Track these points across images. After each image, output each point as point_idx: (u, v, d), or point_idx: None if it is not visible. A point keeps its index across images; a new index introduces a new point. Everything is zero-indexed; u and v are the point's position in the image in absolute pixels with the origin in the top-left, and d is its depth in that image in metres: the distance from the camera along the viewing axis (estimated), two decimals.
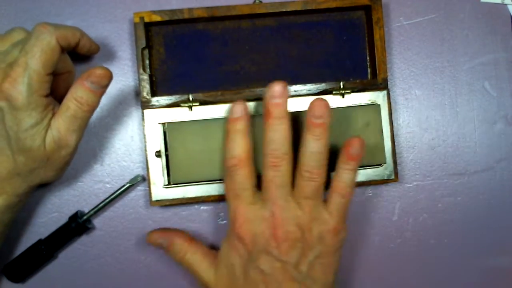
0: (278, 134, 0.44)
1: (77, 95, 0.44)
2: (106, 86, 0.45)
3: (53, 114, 0.44)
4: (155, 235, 0.49)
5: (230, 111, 0.45)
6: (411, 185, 0.55)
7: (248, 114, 0.45)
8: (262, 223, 0.45)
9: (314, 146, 0.44)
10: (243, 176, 0.45)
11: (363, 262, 0.55)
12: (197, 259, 0.48)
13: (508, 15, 0.56)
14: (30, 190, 0.47)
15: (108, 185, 0.53)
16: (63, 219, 0.52)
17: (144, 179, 0.52)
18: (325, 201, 0.47)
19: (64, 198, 0.53)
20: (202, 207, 0.53)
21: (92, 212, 0.51)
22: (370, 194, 0.55)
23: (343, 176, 0.46)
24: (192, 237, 0.50)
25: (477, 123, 0.56)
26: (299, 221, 0.45)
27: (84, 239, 0.53)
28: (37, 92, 0.42)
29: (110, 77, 0.44)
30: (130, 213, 0.53)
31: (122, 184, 0.52)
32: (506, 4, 0.56)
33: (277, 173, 0.44)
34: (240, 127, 0.45)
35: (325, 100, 0.45)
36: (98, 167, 0.53)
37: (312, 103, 0.45)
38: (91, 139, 0.53)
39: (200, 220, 0.54)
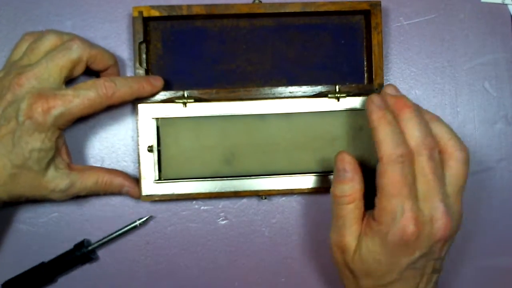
0: (423, 121, 0.40)
1: (109, 182, 0.47)
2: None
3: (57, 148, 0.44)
4: (348, 158, 0.41)
5: (372, 102, 0.40)
6: None
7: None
8: (432, 225, 0.39)
9: (442, 126, 0.42)
10: (414, 171, 0.39)
11: None
12: (354, 217, 0.41)
13: (508, 15, 0.54)
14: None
15: None
16: (63, 219, 0.50)
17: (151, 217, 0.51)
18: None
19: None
20: (202, 207, 0.51)
21: (98, 244, 0.49)
22: None
23: (438, 128, 0.42)
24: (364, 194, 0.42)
25: (477, 123, 0.53)
26: (457, 218, 0.41)
27: (77, 237, 0.50)
28: (60, 127, 0.42)
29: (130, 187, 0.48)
30: (129, 211, 0.51)
31: (133, 221, 0.50)
32: (506, 4, 0.53)
33: (435, 163, 0.39)
34: (392, 119, 0.39)
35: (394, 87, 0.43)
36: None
37: (388, 95, 0.42)
38: (91, 139, 0.50)
39: (200, 220, 0.51)
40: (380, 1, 0.48)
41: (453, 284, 0.53)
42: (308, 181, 0.48)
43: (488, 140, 0.53)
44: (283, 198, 0.51)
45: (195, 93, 0.48)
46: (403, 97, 0.41)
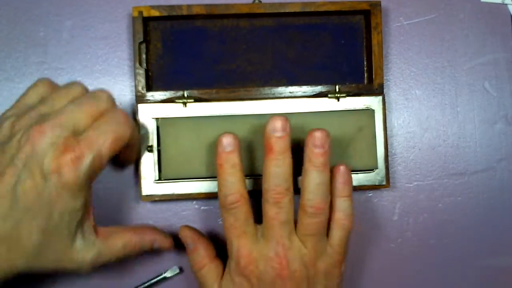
0: (281, 170, 0.40)
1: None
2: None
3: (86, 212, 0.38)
4: (188, 232, 0.45)
5: (221, 144, 0.40)
6: (411, 185, 0.52)
7: (238, 145, 0.40)
8: (267, 263, 0.41)
9: (317, 177, 0.40)
10: (246, 213, 0.41)
11: (363, 262, 0.52)
12: (211, 277, 0.44)
13: (508, 15, 0.53)
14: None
15: (108, 185, 0.50)
16: None
17: (181, 270, 0.50)
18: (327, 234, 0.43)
19: None
20: (202, 207, 0.51)
21: None
22: (371, 194, 0.52)
23: (340, 205, 0.42)
24: (216, 255, 0.45)
25: (477, 123, 0.53)
26: (305, 259, 0.41)
27: None
28: (93, 177, 0.37)
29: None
30: (127, 211, 0.50)
31: (159, 273, 0.49)
32: (506, 4, 0.53)
33: (280, 209, 0.40)
34: (236, 161, 0.40)
35: (325, 130, 0.40)
36: None
37: (311, 133, 0.40)
38: None
39: (200, 220, 0.51)
40: (380, 1, 0.48)
41: (453, 284, 0.52)
42: None
43: (488, 140, 0.53)
44: None
45: (195, 93, 0.47)
46: (277, 138, 0.39)
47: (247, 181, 0.47)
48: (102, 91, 0.39)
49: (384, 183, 0.49)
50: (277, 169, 0.40)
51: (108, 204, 0.49)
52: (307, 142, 0.40)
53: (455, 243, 0.52)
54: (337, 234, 0.42)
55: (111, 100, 0.39)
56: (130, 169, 0.50)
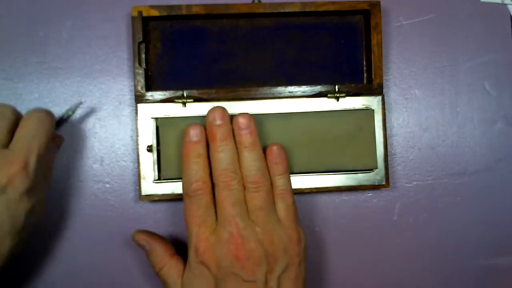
0: (224, 154, 0.42)
1: (51, 164, 0.45)
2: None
3: None
4: (141, 236, 0.46)
5: (188, 134, 0.42)
6: (411, 185, 0.52)
7: (205, 136, 0.43)
8: (223, 246, 0.41)
9: (249, 156, 0.42)
10: (208, 202, 0.42)
11: (363, 261, 0.52)
12: (172, 275, 0.44)
13: (508, 15, 0.53)
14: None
15: (108, 185, 0.50)
16: (63, 219, 0.49)
17: (81, 103, 0.49)
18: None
19: (64, 198, 0.49)
20: None
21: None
22: (370, 194, 0.52)
23: (277, 182, 0.43)
24: (175, 252, 0.46)
25: (477, 123, 0.53)
26: (259, 237, 0.42)
27: (83, 239, 0.49)
28: (40, 174, 0.41)
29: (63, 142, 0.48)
30: (127, 211, 0.50)
31: (63, 113, 0.47)
32: (506, 4, 0.53)
33: (229, 191, 0.41)
34: (201, 151, 0.42)
35: (247, 114, 0.43)
36: (98, 167, 0.50)
37: (235, 119, 0.43)
38: (91, 139, 0.50)
39: None
40: (379, 1, 0.48)
41: (453, 284, 0.52)
42: (308, 181, 0.47)
43: (488, 140, 0.53)
44: None
45: (195, 93, 0.47)
46: (217, 126, 0.42)
47: None
48: (3, 106, 0.42)
49: (383, 183, 0.48)
50: (221, 154, 0.42)
51: (108, 204, 0.49)
52: (234, 128, 0.43)
53: (455, 243, 0.52)
54: (281, 206, 0.43)
55: (16, 110, 0.42)
56: (130, 169, 0.50)
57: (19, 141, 0.40)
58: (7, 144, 0.41)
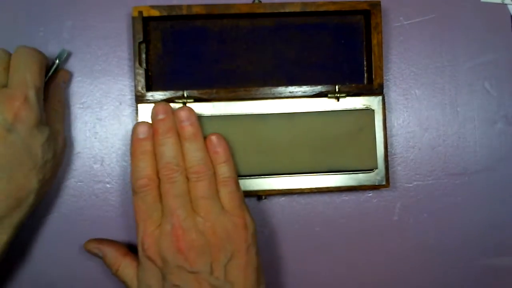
0: (166, 148, 0.42)
1: (60, 97, 0.47)
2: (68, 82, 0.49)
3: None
4: (91, 244, 0.47)
5: (135, 131, 0.42)
6: (411, 185, 0.52)
7: (151, 134, 0.43)
8: (166, 238, 0.41)
9: (190, 146, 0.42)
10: (154, 197, 0.42)
11: (363, 261, 0.52)
12: (129, 273, 0.45)
13: (508, 15, 0.53)
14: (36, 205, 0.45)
15: (108, 185, 0.50)
16: (63, 219, 0.49)
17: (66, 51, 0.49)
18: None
19: (64, 198, 0.49)
20: None
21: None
22: (370, 194, 0.52)
23: (219, 170, 0.43)
24: (128, 251, 0.46)
25: (477, 123, 0.53)
26: (200, 227, 0.41)
27: (84, 239, 0.49)
28: (42, 108, 0.42)
29: (71, 75, 0.49)
30: (127, 211, 0.50)
31: (52, 62, 0.48)
32: (506, 4, 0.53)
33: (172, 184, 0.42)
34: (148, 148, 0.42)
35: (187, 107, 0.43)
36: (98, 167, 0.50)
37: (175, 112, 0.43)
38: (91, 139, 0.50)
39: None
40: (380, 1, 0.48)
41: (453, 284, 0.52)
42: (308, 181, 0.47)
43: (488, 140, 0.52)
44: (283, 198, 0.51)
45: (195, 93, 0.47)
46: (159, 121, 0.42)
47: (245, 181, 0.47)
48: (31, 51, 0.43)
49: (384, 183, 0.48)
50: (163, 147, 0.42)
51: (109, 204, 0.49)
52: (176, 122, 0.43)
53: (455, 243, 0.52)
54: (224, 194, 0.43)
55: (6, 51, 0.43)
56: (129, 169, 0.49)
57: (14, 78, 0.41)
58: (5, 84, 0.42)
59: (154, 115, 0.42)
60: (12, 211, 0.42)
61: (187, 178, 0.42)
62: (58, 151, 0.45)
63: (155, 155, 0.42)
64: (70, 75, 0.49)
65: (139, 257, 0.43)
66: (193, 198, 0.42)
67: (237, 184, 0.43)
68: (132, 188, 0.42)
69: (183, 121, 0.42)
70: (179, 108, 0.43)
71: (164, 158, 0.42)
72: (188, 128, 0.42)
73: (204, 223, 0.41)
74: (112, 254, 0.45)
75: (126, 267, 0.45)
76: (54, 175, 0.45)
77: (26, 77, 0.41)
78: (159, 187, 0.42)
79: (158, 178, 0.42)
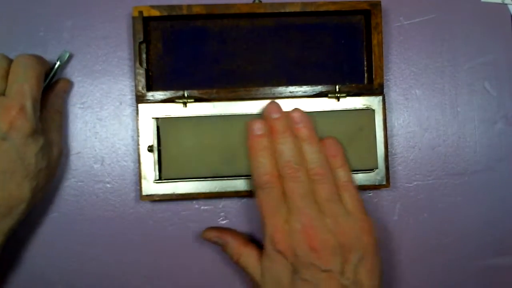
0: (286, 146, 0.43)
1: (59, 107, 0.47)
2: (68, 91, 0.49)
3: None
4: (211, 233, 0.48)
5: (251, 127, 0.44)
6: (411, 185, 0.52)
7: (267, 130, 0.44)
8: (297, 236, 0.42)
9: (309, 149, 0.43)
10: (279, 193, 0.43)
11: None
12: (251, 262, 0.45)
13: (508, 15, 0.53)
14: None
15: (108, 185, 0.50)
16: (63, 219, 0.49)
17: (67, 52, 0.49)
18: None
19: (64, 198, 0.50)
20: (202, 207, 0.51)
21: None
22: (371, 194, 0.52)
23: (338, 174, 0.44)
24: (248, 240, 0.47)
25: (477, 123, 0.53)
26: (331, 228, 0.42)
27: (83, 239, 0.49)
28: (38, 117, 0.43)
29: (71, 84, 0.49)
30: (127, 211, 0.50)
31: (53, 64, 0.48)
32: (506, 4, 0.53)
33: (298, 183, 0.42)
34: (266, 144, 0.43)
35: (299, 110, 0.44)
36: (98, 167, 0.50)
37: (289, 114, 0.44)
38: (91, 139, 0.50)
39: (200, 220, 0.51)
40: (380, 1, 0.48)
41: (454, 284, 0.52)
42: None
43: (488, 140, 0.52)
44: None
45: (195, 93, 0.47)
46: (275, 120, 0.43)
47: (245, 181, 0.47)
48: (31, 61, 0.43)
49: (384, 183, 0.48)
50: (283, 146, 0.43)
51: (109, 204, 0.49)
52: (290, 124, 0.44)
53: (455, 243, 0.52)
54: (347, 198, 0.43)
55: (7, 57, 0.44)
56: (130, 169, 0.50)
57: (13, 87, 0.42)
58: (3, 91, 0.42)
59: (267, 113, 0.43)
60: (2, 218, 0.42)
61: (310, 179, 0.43)
62: (53, 160, 0.45)
63: (276, 153, 0.43)
64: (71, 84, 0.49)
65: (266, 250, 0.43)
66: (318, 199, 0.42)
67: (356, 188, 0.44)
68: (256, 183, 0.43)
69: (298, 123, 0.43)
70: (292, 110, 0.44)
71: (285, 157, 0.42)
72: (304, 130, 0.43)
73: (333, 224, 0.42)
74: (234, 244, 0.46)
75: (248, 256, 0.45)
76: (48, 183, 0.46)
77: (24, 87, 0.41)
78: (281, 182, 0.43)
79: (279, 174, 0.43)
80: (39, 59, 0.44)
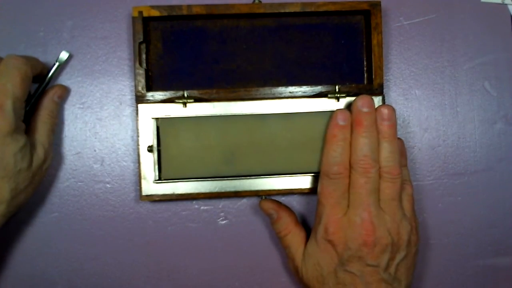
0: (368, 140, 0.43)
1: (51, 111, 0.47)
2: (64, 98, 0.49)
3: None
4: (269, 204, 0.48)
5: (336, 116, 0.43)
6: None
7: (350, 123, 0.44)
8: (354, 229, 0.42)
9: (388, 147, 0.43)
10: (345, 186, 0.43)
11: None
12: (296, 242, 0.46)
13: (508, 15, 0.53)
14: (10, 216, 0.45)
15: (108, 185, 0.50)
16: (63, 219, 0.49)
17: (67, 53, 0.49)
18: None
19: (64, 198, 0.49)
20: (202, 207, 0.50)
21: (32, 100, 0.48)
22: None
23: (402, 173, 0.45)
24: (298, 221, 0.48)
25: (477, 123, 0.53)
26: (388, 226, 0.43)
27: (83, 239, 0.49)
28: (19, 117, 0.43)
29: (67, 91, 0.49)
30: (127, 211, 0.50)
31: (53, 64, 0.49)
32: (506, 4, 0.53)
33: (368, 179, 0.42)
34: (347, 135, 0.43)
35: (390, 106, 0.44)
36: (98, 167, 0.50)
37: (379, 109, 0.44)
38: (91, 139, 0.50)
39: (200, 220, 0.51)
40: (380, 1, 0.48)
41: (453, 284, 0.52)
42: (308, 181, 0.47)
43: (488, 140, 0.52)
44: (283, 198, 0.51)
45: (195, 93, 0.47)
46: (365, 113, 0.43)
47: (245, 181, 0.47)
48: (16, 61, 0.43)
49: None
50: (366, 140, 0.42)
51: (109, 204, 0.49)
52: (377, 119, 0.44)
53: (455, 243, 0.52)
54: (404, 195, 0.45)
55: None
56: (130, 169, 0.50)
57: None
58: None
59: (359, 106, 0.43)
60: None
61: (381, 176, 0.43)
62: (37, 162, 0.44)
63: (352, 145, 0.43)
64: (67, 91, 0.49)
65: (316, 236, 0.44)
66: (383, 197, 0.43)
67: (412, 188, 0.46)
68: (325, 171, 0.43)
69: (386, 120, 0.43)
70: (383, 105, 0.44)
71: (363, 151, 0.42)
72: (389, 128, 0.43)
73: (391, 222, 0.43)
74: (286, 220, 0.47)
75: (295, 235, 0.46)
76: (31, 186, 0.45)
77: (7, 86, 0.41)
78: (349, 176, 0.43)
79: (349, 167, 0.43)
80: (29, 60, 0.44)
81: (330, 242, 0.43)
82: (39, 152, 0.45)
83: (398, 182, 0.43)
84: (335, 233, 0.43)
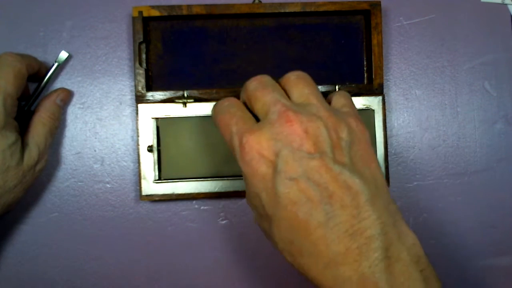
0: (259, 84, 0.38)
1: (52, 113, 0.46)
2: (67, 102, 0.49)
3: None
4: None
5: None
6: (411, 185, 0.52)
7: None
8: (273, 126, 0.35)
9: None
10: (242, 106, 0.38)
11: None
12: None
13: (508, 15, 0.53)
14: None
15: (108, 185, 0.50)
16: (63, 219, 0.49)
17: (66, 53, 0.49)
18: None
19: (64, 198, 0.49)
20: (202, 207, 0.50)
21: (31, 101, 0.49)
22: None
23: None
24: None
25: (477, 123, 0.53)
26: (313, 111, 0.36)
27: (83, 239, 0.49)
28: (11, 114, 0.42)
29: (71, 95, 0.49)
30: (127, 211, 0.50)
31: (52, 65, 0.49)
32: (506, 4, 0.53)
33: (261, 83, 0.38)
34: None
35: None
36: (98, 167, 0.50)
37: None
38: (91, 139, 0.50)
39: (200, 220, 0.50)
40: (380, 1, 0.48)
41: (454, 284, 0.52)
42: None
43: (488, 140, 0.52)
44: None
45: (195, 93, 0.47)
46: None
47: (238, 182, 0.47)
48: (11, 58, 0.43)
49: None
50: (254, 82, 0.38)
51: (109, 204, 0.49)
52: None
53: (455, 243, 0.52)
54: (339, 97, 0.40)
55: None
56: (130, 169, 0.50)
57: None
58: None
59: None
60: None
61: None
62: (28, 162, 0.44)
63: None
64: (70, 95, 0.49)
65: (240, 164, 0.36)
66: (294, 96, 0.37)
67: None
68: (216, 114, 0.38)
69: (293, 75, 0.39)
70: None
71: (252, 85, 0.38)
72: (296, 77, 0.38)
73: (317, 108, 0.36)
74: None
75: None
76: (22, 186, 0.44)
77: (4, 86, 0.41)
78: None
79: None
80: (24, 58, 0.44)
81: (253, 159, 0.34)
82: (33, 152, 0.44)
83: (307, 79, 0.38)
84: (251, 139, 0.34)
